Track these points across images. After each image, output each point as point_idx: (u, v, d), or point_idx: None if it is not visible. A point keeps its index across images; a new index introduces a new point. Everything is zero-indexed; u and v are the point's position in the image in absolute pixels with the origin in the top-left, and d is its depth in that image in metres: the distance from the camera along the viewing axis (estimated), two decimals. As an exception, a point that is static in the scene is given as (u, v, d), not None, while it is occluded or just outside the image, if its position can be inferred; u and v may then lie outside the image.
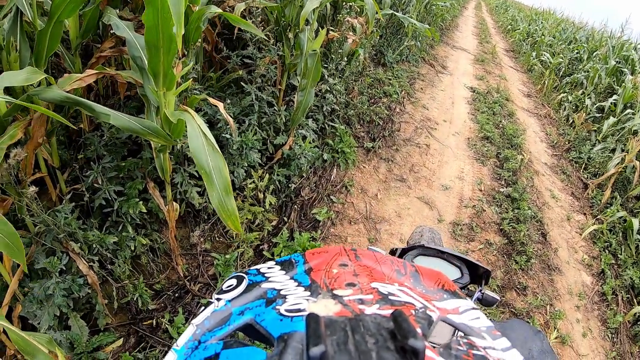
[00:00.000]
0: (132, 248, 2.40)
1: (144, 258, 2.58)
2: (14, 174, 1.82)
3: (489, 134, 5.72)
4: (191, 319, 0.67)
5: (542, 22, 13.66)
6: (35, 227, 2.02)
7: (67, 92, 1.80)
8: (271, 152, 3.42)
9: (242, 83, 3.19)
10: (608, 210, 4.88)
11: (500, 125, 6.16)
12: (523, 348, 0.90)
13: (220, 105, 2.35)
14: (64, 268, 2.01)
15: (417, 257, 1.39)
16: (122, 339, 2.30)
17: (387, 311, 0.50)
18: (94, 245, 2.16)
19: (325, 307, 0.52)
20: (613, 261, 4.33)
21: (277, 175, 3.35)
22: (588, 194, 5.36)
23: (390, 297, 0.57)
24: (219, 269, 2.81)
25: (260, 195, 3.14)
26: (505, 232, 4.07)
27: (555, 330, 3.37)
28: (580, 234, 4.57)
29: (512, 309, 3.38)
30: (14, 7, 1.80)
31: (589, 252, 4.42)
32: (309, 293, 0.59)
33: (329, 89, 4.04)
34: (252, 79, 3.23)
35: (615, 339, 3.61)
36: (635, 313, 3.74)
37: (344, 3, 4.21)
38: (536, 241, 4.15)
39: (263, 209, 3.15)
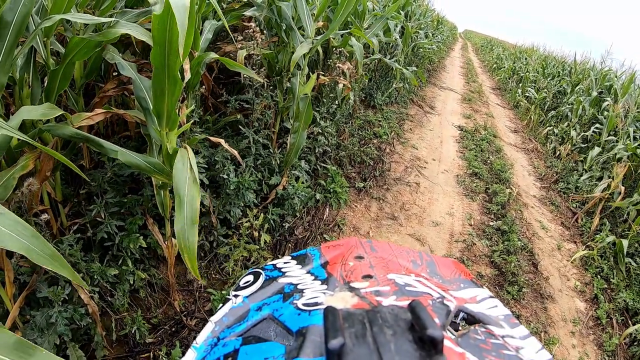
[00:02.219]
0: (131, 282, 2.47)
1: (142, 292, 2.64)
2: (25, 203, 1.91)
3: (477, 170, 5.90)
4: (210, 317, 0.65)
5: (526, 59, 14.10)
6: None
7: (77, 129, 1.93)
8: (266, 192, 3.56)
9: (239, 126, 3.36)
10: (597, 236, 4.99)
11: (488, 161, 6.35)
12: None
13: (222, 141, 2.53)
14: (67, 297, 2.07)
15: None
16: (118, 372, 2.33)
17: (405, 302, 0.50)
18: (95, 277, 2.23)
19: (342, 300, 0.52)
20: (606, 285, 4.41)
21: (272, 214, 3.47)
22: (577, 222, 5.49)
23: (407, 288, 0.57)
24: (216, 304, 2.85)
25: (256, 234, 3.24)
26: (496, 263, 4.17)
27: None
28: (571, 262, 4.67)
29: (505, 338, 3.45)
30: (29, 46, 1.92)
31: (581, 279, 4.51)
32: (325, 286, 0.59)
33: (320, 131, 4.24)
34: (249, 122, 3.40)
35: (612, 363, 3.67)
36: (631, 333, 3.80)
37: (334, 48, 4.45)
38: (527, 271, 4.26)
39: (258, 247, 3.24)
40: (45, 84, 1.97)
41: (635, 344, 3.80)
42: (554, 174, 6.72)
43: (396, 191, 4.90)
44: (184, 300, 2.90)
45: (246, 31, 3.12)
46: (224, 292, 2.92)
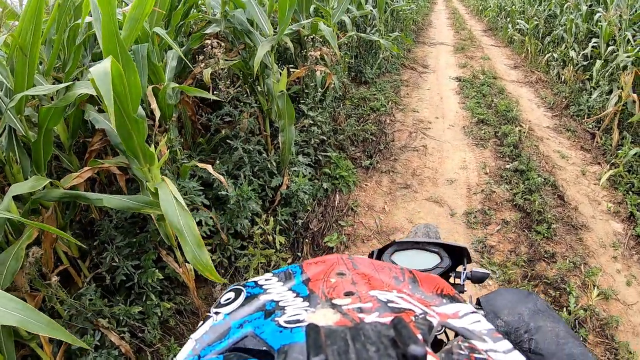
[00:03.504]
0: (159, 314, 2.54)
1: (172, 321, 2.69)
2: (37, 269, 2.00)
3: (483, 116, 5.75)
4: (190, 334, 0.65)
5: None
6: (65, 312, 2.20)
7: (69, 188, 2.06)
8: (271, 195, 3.56)
9: (228, 141, 3.36)
10: (620, 151, 4.80)
11: (493, 105, 6.19)
12: (512, 314, 0.86)
13: (209, 167, 2.57)
14: (98, 344, 2.16)
15: (393, 254, 1.38)
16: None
17: (387, 318, 0.50)
18: (121, 318, 2.31)
19: (324, 317, 0.52)
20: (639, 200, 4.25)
21: (282, 215, 3.46)
22: (597, 142, 5.30)
23: (389, 304, 0.57)
24: None
25: (270, 238, 3.25)
26: (520, 206, 4.06)
27: (595, 287, 3.31)
28: (599, 185, 4.51)
29: (544, 280, 3.35)
30: (7, 125, 2.01)
31: (613, 200, 4.35)
32: (307, 303, 0.58)
33: (312, 122, 4.18)
34: (236, 134, 3.41)
35: (664, 276, 3.52)
36: None
37: (305, 37, 4.37)
38: (554, 205, 4.12)
39: (275, 250, 3.25)
40: (32, 156, 2.06)
41: (683, 250, 3.65)
42: (563, 100, 6.51)
43: (405, 159, 4.81)
44: None
45: (205, 49, 3.12)
46: None
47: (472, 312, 0.60)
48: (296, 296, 0.62)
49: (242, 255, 3.14)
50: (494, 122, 5.65)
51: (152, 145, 2.07)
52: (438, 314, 0.59)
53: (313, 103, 4.33)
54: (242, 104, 3.45)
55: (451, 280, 1.38)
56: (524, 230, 3.80)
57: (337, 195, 4.05)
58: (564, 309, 3.12)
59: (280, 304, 0.61)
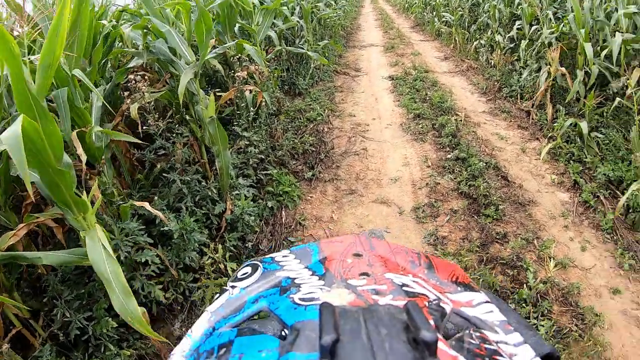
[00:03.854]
0: None
1: None
2: None
3: (418, 110, 5.77)
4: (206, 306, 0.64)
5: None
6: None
7: (7, 249, 2.02)
8: (217, 223, 3.43)
9: (164, 174, 3.24)
10: (556, 124, 4.89)
11: (427, 98, 6.23)
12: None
13: (146, 204, 2.50)
14: None
15: None
16: None
17: (401, 302, 0.50)
18: None
19: (339, 297, 0.52)
20: (581, 167, 4.31)
21: (230, 241, 3.34)
22: (532, 119, 5.40)
23: (404, 288, 0.56)
24: None
25: (222, 266, 3.11)
26: (466, 193, 4.05)
27: (552, 259, 3.31)
28: (540, 160, 4.56)
29: (500, 262, 3.32)
30: None
31: (556, 171, 4.42)
32: (323, 282, 0.58)
33: (248, 142, 4.07)
34: (172, 166, 3.29)
35: (615, 237, 3.55)
36: (624, 203, 3.65)
37: (232, 58, 4.28)
38: (499, 187, 4.15)
39: (228, 278, 3.11)
40: None
41: (630, 211, 3.69)
42: (495, 83, 6.63)
43: (347, 165, 4.75)
44: None
45: (128, 85, 3.04)
46: None
47: (486, 302, 0.59)
48: (312, 274, 0.62)
49: (195, 289, 3.02)
50: (430, 115, 5.67)
51: (84, 192, 2.04)
52: (452, 301, 0.58)
53: (247, 123, 4.23)
54: (174, 134, 3.34)
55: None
56: (473, 216, 3.79)
57: (284, 212, 3.94)
58: (524, 285, 3.10)
59: (296, 281, 0.61)
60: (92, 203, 2.12)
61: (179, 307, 2.99)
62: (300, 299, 0.54)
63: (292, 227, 3.80)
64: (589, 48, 4.70)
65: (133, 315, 1.87)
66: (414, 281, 0.60)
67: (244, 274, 0.67)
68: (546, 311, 2.93)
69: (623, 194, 3.85)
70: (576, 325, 2.86)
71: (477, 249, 3.44)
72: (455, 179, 4.29)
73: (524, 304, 3.00)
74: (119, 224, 2.60)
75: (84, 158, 2.32)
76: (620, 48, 4.44)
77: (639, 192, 3.54)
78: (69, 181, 1.86)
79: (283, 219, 3.86)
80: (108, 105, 2.85)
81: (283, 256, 0.71)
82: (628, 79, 4.11)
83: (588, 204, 3.89)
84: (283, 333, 0.50)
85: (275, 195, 4.03)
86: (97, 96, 2.73)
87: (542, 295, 3.04)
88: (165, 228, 2.87)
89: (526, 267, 3.23)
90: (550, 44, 5.75)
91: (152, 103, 3.17)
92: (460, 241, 3.56)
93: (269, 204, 3.86)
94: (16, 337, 2.30)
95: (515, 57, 6.71)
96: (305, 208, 4.07)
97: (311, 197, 4.23)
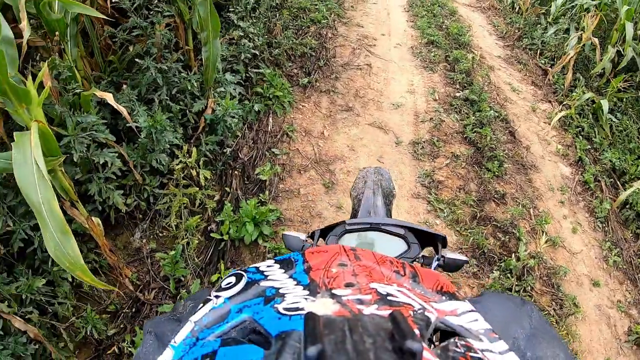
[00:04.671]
0: (70, 279, 2.18)
1: (86, 285, 2.30)
2: None
3: (433, 37, 5.24)
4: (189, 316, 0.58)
5: None
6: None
7: None
8: (194, 122, 2.98)
9: (136, 59, 2.72)
10: (573, 93, 4.56)
11: (444, 26, 5.68)
12: (504, 338, 0.66)
13: (109, 96, 2.05)
14: (1, 333, 1.84)
15: (342, 236, 1.15)
16: (91, 377, 2.10)
17: (386, 312, 0.50)
18: (24, 296, 1.94)
19: (323, 307, 0.52)
20: (589, 146, 4.06)
21: (206, 144, 2.92)
22: (549, 80, 5.00)
23: (388, 298, 0.57)
24: (167, 269, 2.47)
25: (194, 173, 2.74)
26: (471, 139, 3.71)
27: (544, 234, 3.09)
28: (549, 124, 4.23)
29: (494, 223, 3.06)
30: None
31: (562, 141, 4.12)
32: (307, 292, 0.59)
33: (242, 34, 3.52)
34: (148, 50, 2.77)
35: (606, 228, 3.38)
36: (624, 199, 3.49)
37: None
38: (505, 141, 3.82)
39: (199, 188, 2.77)
40: None
41: (627, 207, 3.51)
42: (516, 30, 6.12)
43: (347, 78, 4.28)
44: (137, 272, 2.54)
45: None
46: (173, 251, 2.53)
47: (470, 311, 0.60)
48: (297, 284, 0.62)
49: (161, 196, 2.67)
50: (445, 45, 5.16)
51: (29, 77, 1.59)
52: (437, 310, 0.58)
53: (244, 12, 3.66)
54: (154, 12, 2.79)
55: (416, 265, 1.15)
56: (474, 167, 3.48)
57: (271, 118, 3.51)
58: (512, 255, 2.88)
59: (281, 291, 0.60)
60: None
61: (140, 215, 2.69)
62: (284, 309, 0.53)
63: (278, 137, 3.39)
64: (629, 28, 4.34)
65: (72, 260, 1.49)
66: (398, 291, 0.60)
67: (228, 283, 0.66)
68: (529, 288, 2.80)
69: (624, 185, 3.72)
70: (554, 310, 2.75)
71: (473, 203, 3.17)
72: (461, 120, 3.93)
73: (509, 275, 2.81)
74: (75, 117, 2.15)
75: (26, 33, 1.85)
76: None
77: (640, 191, 3.41)
78: (1, 62, 1.42)
79: (269, 127, 3.44)
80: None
81: (267, 266, 0.70)
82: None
83: (588, 185, 3.66)
84: (267, 343, 0.48)
85: (264, 97, 3.58)
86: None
87: (528, 270, 2.85)
88: (131, 124, 2.41)
89: (519, 236, 3.01)
90: (587, 10, 5.28)
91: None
92: (456, 190, 3.26)
93: (256, 107, 3.40)
94: None
95: (544, 10, 6.20)
96: (295, 118, 3.64)
97: (303, 106, 3.79)
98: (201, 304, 0.62)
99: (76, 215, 2.03)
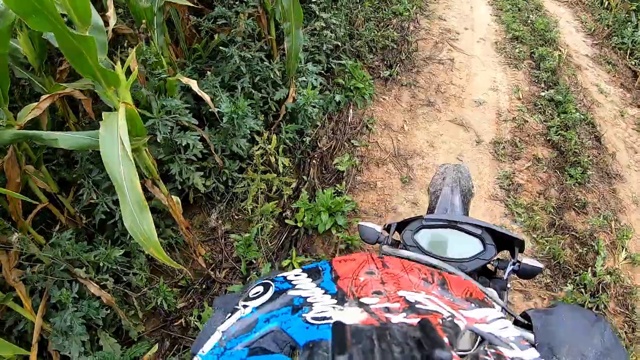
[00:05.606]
0: (146, 253, 2.27)
1: None
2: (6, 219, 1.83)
3: (518, 33, 5.09)
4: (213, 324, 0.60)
5: None
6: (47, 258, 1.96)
7: (27, 123, 1.76)
8: (275, 110, 3.08)
9: (221, 47, 2.85)
10: (665, 99, 4.32)
11: (529, 21, 5.49)
12: (573, 353, 0.70)
13: (193, 82, 2.18)
14: (77, 296, 1.94)
15: (418, 232, 1.13)
16: (157, 345, 2.21)
17: (414, 320, 0.50)
18: (102, 264, 2.05)
19: (351, 315, 0.52)
20: (681, 154, 3.83)
21: (286, 132, 3.02)
22: (639, 82, 4.76)
23: (417, 306, 0.56)
24: (240, 250, 2.58)
25: (272, 159, 2.83)
26: (554, 142, 3.61)
27: (624, 250, 2.97)
28: (638, 131, 4.04)
29: (572, 233, 2.99)
30: None
31: (651, 151, 3.91)
32: (335, 301, 0.58)
33: (324, 25, 3.56)
34: (232, 39, 2.89)
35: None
36: None
37: None
38: (590, 147, 3.68)
39: (277, 174, 2.86)
40: None
41: None
42: (605, 27, 5.83)
43: (428, 72, 4.26)
44: (210, 251, 2.67)
45: None
46: (247, 234, 2.63)
47: (500, 318, 0.59)
48: (324, 293, 0.62)
49: (240, 180, 2.78)
50: (530, 40, 5.00)
51: (118, 62, 1.70)
52: (466, 318, 0.57)
53: (326, 3, 3.70)
54: (239, 2, 2.90)
55: (490, 267, 1.20)
56: (556, 172, 3.39)
57: (351, 110, 3.56)
58: (589, 269, 2.80)
59: (308, 300, 0.60)
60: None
61: (218, 197, 2.81)
62: (312, 318, 0.53)
63: (358, 129, 3.44)
64: None
65: (147, 235, 1.56)
66: (427, 298, 0.59)
67: (256, 293, 0.66)
68: (602, 306, 2.68)
69: None
70: (625, 332, 2.63)
71: (552, 210, 3.10)
72: (545, 122, 3.82)
73: (583, 290, 2.73)
74: (160, 100, 2.28)
75: (112, 20, 2.01)
76: None
77: None
78: (92, 48, 1.50)
79: (349, 118, 3.49)
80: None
81: (295, 275, 0.69)
82: None
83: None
84: (295, 353, 0.51)
85: (345, 89, 3.63)
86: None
87: (604, 286, 2.75)
88: (213, 110, 2.54)
89: (598, 249, 2.91)
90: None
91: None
92: (536, 195, 3.20)
93: (337, 97, 3.46)
94: (45, 214, 2.18)
95: (635, 6, 5.85)
96: (375, 110, 3.67)
97: (384, 99, 3.81)
98: (229, 314, 0.63)
99: (157, 193, 2.16)
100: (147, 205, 1.56)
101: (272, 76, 2.98)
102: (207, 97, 2.24)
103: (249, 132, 2.71)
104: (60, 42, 1.42)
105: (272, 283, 0.67)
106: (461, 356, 0.48)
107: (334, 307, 0.56)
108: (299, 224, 2.76)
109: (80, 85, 1.99)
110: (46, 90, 2.02)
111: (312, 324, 0.52)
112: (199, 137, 2.41)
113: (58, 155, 2.31)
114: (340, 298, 0.59)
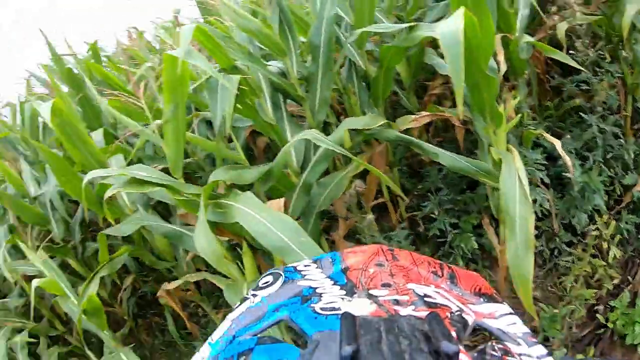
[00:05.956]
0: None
1: None
2: (356, 200, 2.07)
3: None
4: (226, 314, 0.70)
5: None
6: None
7: (402, 131, 1.99)
8: (619, 193, 2.87)
9: (580, 113, 2.80)
10: None
11: None
12: None
13: (558, 143, 2.16)
14: None
15: None
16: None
17: (423, 313, 0.51)
18: None
19: (360, 307, 0.54)
20: None
21: (625, 223, 2.76)
22: None
23: (426, 299, 0.58)
24: (544, 322, 2.50)
25: (605, 246, 2.64)
26: None
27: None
28: None
29: None
30: (347, 58, 2.11)
31: None
32: (344, 292, 0.60)
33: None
34: (591, 107, 2.82)
35: None
36: None
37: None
38: None
39: (605, 263, 2.65)
40: (370, 91, 2.12)
41: None
42: None
43: None
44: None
45: None
46: (555, 310, 2.55)
47: (509, 314, 0.59)
48: (334, 284, 0.63)
49: (567, 253, 2.66)
50: None
51: (501, 105, 1.85)
52: (474, 312, 0.58)
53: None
54: (602, 71, 2.77)
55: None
56: None
57: None
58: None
59: (318, 290, 0.62)
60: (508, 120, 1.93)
61: (540, 262, 2.70)
62: (321, 309, 0.54)
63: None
64: None
65: (522, 274, 1.65)
66: (436, 292, 0.60)
67: (266, 282, 0.66)
68: None
69: None
70: None
71: None
72: None
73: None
74: (521, 149, 2.32)
75: (503, 67, 2.07)
76: None
77: None
78: (493, 89, 1.67)
79: None
80: (541, 13, 2.50)
81: (305, 265, 0.70)
82: None
83: None
84: (303, 342, 0.50)
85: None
86: (525, 2, 2.39)
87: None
88: (568, 174, 2.45)
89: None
90: None
91: (584, 27, 2.71)
92: None
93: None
94: (380, 208, 2.37)
95: None
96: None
97: None
98: (238, 302, 0.64)
99: (491, 233, 2.25)
100: (533, 247, 1.66)
101: (625, 157, 2.81)
102: (568, 161, 2.16)
103: (591, 208, 2.61)
104: (467, 76, 1.48)
105: (282, 273, 0.68)
106: (468, 350, 0.48)
107: (342, 298, 0.57)
108: (609, 325, 2.51)
109: (452, 113, 2.17)
110: (410, 106, 2.34)
111: (321, 314, 0.53)
112: (546, 198, 2.42)
113: (403, 163, 2.60)
114: (350, 289, 0.60)
